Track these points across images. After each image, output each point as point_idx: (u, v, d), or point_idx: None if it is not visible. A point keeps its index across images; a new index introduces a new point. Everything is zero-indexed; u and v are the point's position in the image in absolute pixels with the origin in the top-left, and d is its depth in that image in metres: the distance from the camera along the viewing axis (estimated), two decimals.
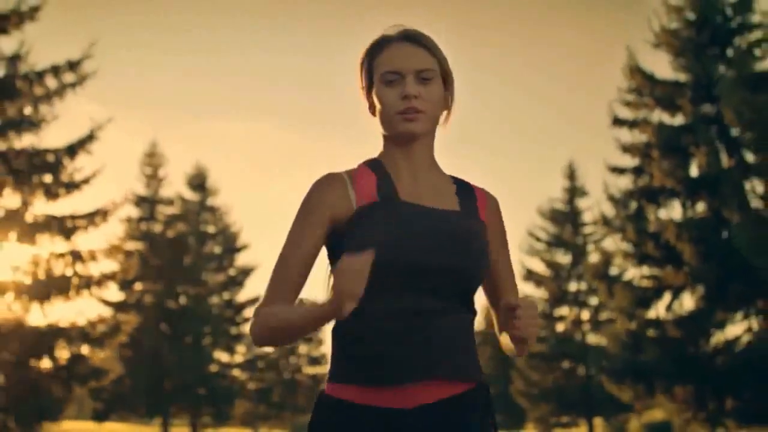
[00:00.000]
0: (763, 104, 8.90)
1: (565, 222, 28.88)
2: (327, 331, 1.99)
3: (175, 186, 28.60)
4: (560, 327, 28.50)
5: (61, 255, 13.71)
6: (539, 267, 28.75)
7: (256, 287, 31.36)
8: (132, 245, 25.84)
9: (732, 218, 12.60)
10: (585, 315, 28.13)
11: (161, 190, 27.92)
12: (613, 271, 16.15)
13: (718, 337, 14.03)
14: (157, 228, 27.47)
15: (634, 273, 15.08)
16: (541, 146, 38.78)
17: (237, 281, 30.03)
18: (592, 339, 27.56)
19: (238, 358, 30.38)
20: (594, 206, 27.65)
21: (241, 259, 30.99)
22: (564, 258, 28.63)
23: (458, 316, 1.84)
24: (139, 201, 27.23)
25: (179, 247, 27.06)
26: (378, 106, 1.89)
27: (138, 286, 25.26)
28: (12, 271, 13.34)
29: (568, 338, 27.94)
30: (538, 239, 29.12)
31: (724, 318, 13.46)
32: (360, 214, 1.83)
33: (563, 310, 28.66)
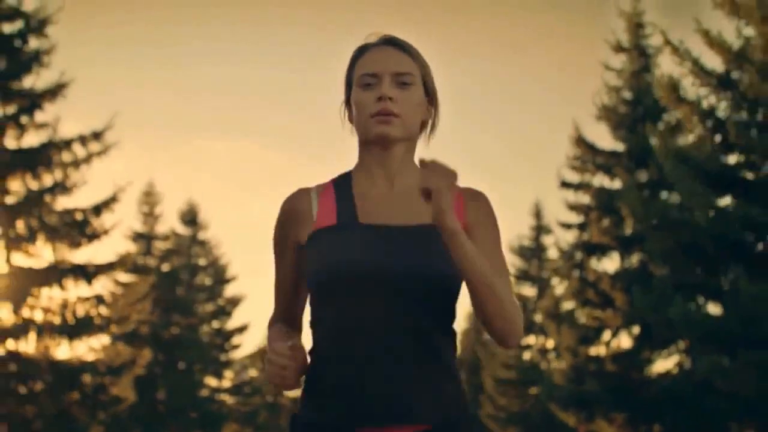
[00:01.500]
0: (658, 209, 11.26)
1: (532, 257, 31.54)
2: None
3: (159, 213, 30.84)
4: (527, 355, 31.12)
5: (86, 299, 16.13)
6: None
7: (243, 316, 33.58)
8: (127, 278, 28.17)
9: (656, 271, 15.22)
10: (550, 344, 30.68)
11: (157, 226, 30.30)
12: (564, 309, 18.73)
13: (649, 371, 16.62)
14: (153, 262, 29.80)
15: (579, 314, 17.67)
16: (511, 186, 41.24)
17: (226, 311, 32.40)
18: (557, 366, 30.16)
19: (226, 383, 32.68)
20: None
21: (230, 290, 33.35)
22: (530, 291, 31.27)
23: (418, 345, 1.75)
24: (136, 237, 29.56)
25: (173, 280, 29.39)
26: (354, 110, 1.85)
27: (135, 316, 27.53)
28: (44, 312, 15.74)
29: (534, 365, 30.49)
30: None
31: (650, 356, 16.06)
32: (315, 237, 1.81)
33: (530, 339, 31.27)
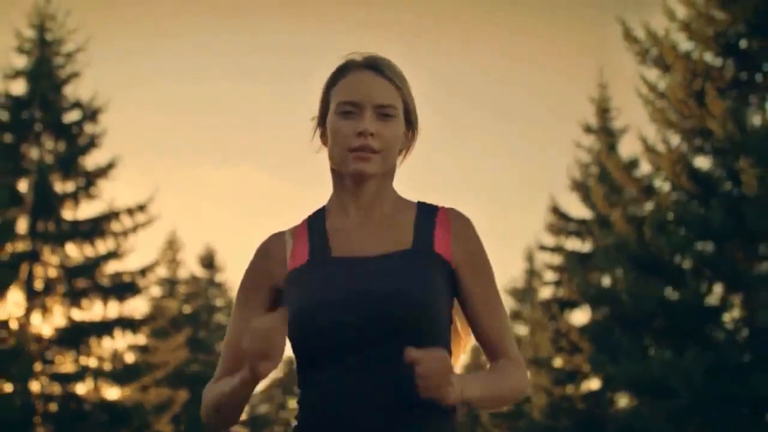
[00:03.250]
0: (592, 283, 14.24)
1: (524, 299, 34.50)
2: None
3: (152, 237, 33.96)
4: None
5: (132, 346, 19.14)
6: None
7: None
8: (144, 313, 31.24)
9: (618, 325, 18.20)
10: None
11: (179, 271, 33.39)
12: (542, 355, 21.70)
13: (613, 409, 19.56)
14: (175, 304, 32.86)
15: (555, 359, 20.64)
16: (504, 230, 44.03)
17: None
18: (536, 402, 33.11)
19: (241, 416, 35.58)
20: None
21: None
22: (523, 330, 34.18)
23: (404, 382, 1.64)
24: (161, 282, 32.60)
25: (195, 322, 32.42)
26: (330, 138, 1.79)
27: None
28: (97, 360, 18.75)
29: (527, 400, 33.37)
30: None
31: (613, 396, 19.01)
32: (290, 279, 1.77)
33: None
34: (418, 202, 1.85)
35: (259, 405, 37.90)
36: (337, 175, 1.81)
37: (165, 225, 35.51)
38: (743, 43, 12.97)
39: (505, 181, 43.44)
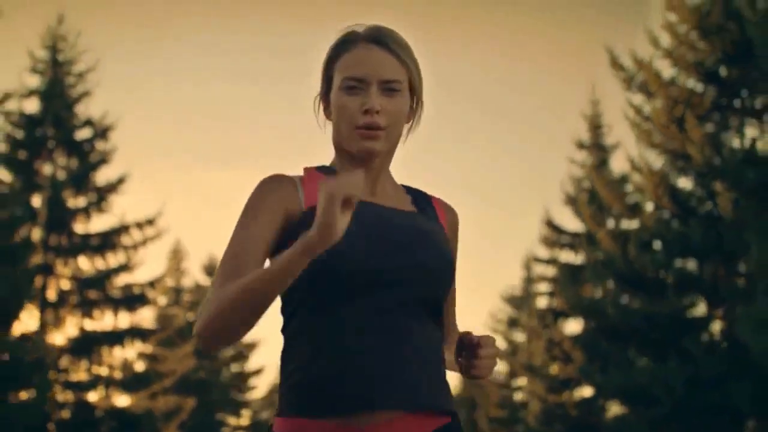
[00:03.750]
0: (579, 296, 15.03)
1: (522, 306, 35.28)
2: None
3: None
4: (518, 396, 34.79)
5: (141, 355, 19.94)
6: (500, 343, 35.12)
7: (258, 360, 37.20)
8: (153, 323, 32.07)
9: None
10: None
11: (183, 279, 34.19)
12: (537, 363, 22.48)
13: (605, 416, 20.35)
14: (180, 312, 33.65)
15: (549, 367, 21.43)
16: (502, 239, 44.77)
17: (243, 355, 36.15)
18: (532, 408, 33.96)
19: (244, 422, 36.40)
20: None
21: (247, 336, 37.05)
22: (520, 337, 34.97)
23: (431, 335, 1.67)
24: (167, 291, 33.38)
25: None
26: (334, 114, 1.75)
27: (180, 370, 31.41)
28: (108, 369, 19.54)
29: (524, 404, 34.15)
30: (498, 320, 35.55)
31: (604, 403, 19.79)
32: (310, 216, 1.63)
33: (521, 381, 34.96)
34: (404, 186, 1.87)
35: (261, 411, 38.68)
36: (342, 151, 1.78)
37: (170, 233, 36.31)
38: (723, 71, 13.77)
39: (505, 183, 44.10)
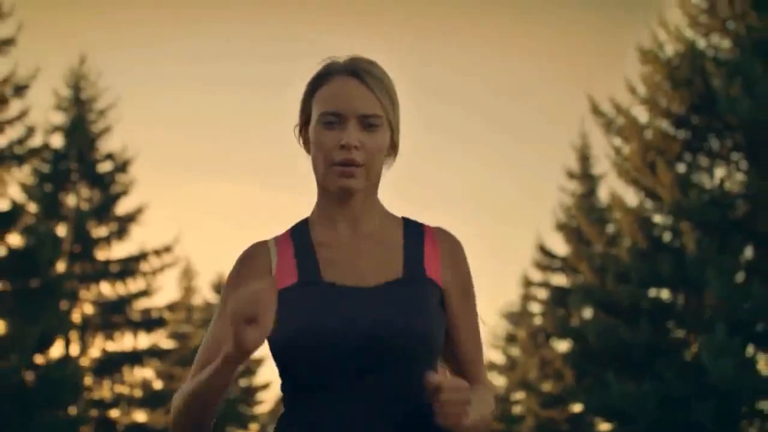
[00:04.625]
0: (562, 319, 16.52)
1: (520, 323, 36.74)
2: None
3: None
4: (516, 409, 36.23)
5: (159, 373, 21.43)
6: (499, 358, 36.58)
7: (265, 374, 38.75)
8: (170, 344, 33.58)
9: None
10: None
11: (192, 297, 35.71)
12: (531, 379, 23.93)
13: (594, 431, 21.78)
14: (190, 329, 35.15)
15: (542, 384, 22.90)
16: (500, 258, 45.86)
17: (251, 370, 37.63)
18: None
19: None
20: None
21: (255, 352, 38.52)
22: (517, 352, 36.41)
23: (403, 412, 1.65)
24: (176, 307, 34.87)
25: None
26: (312, 149, 1.74)
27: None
28: (129, 388, 21.04)
29: (522, 419, 35.58)
30: (496, 335, 37.01)
31: (593, 419, 21.26)
32: (278, 298, 1.60)
33: (519, 395, 36.40)
34: (403, 218, 1.82)
35: (269, 424, 40.18)
36: (322, 188, 1.77)
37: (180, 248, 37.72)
38: (693, 119, 15.27)
39: (503, 194, 45.20)
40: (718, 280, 12.56)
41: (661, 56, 15.35)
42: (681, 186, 14.24)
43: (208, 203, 47.74)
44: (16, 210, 15.40)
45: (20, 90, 16.35)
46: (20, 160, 16.19)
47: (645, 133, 15.55)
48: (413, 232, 1.79)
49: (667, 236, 14.87)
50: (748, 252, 14.37)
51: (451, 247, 1.79)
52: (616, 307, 15.24)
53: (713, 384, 12.67)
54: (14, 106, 16.85)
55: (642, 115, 16.09)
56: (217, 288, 38.42)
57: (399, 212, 1.85)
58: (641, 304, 14.74)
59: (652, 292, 14.75)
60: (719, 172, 15.38)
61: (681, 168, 15.31)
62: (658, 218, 15.37)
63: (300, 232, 1.78)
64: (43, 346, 14.73)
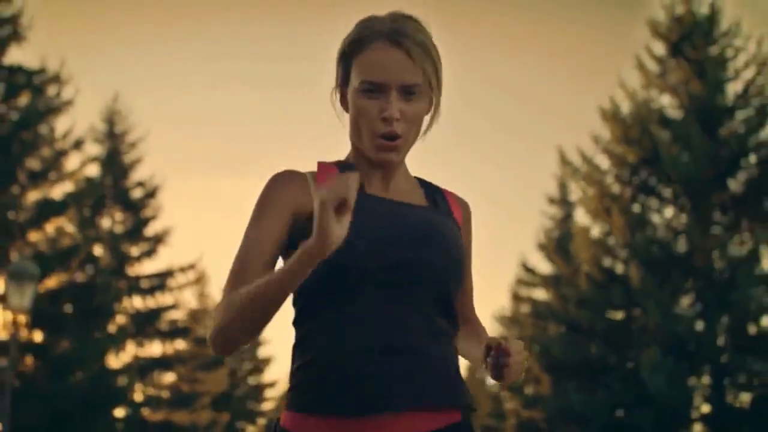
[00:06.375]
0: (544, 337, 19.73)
1: (511, 327, 39.82)
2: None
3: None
4: (507, 407, 39.35)
5: (184, 378, 24.56)
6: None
7: (273, 373, 41.70)
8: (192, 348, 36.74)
9: None
10: None
11: (207, 303, 38.78)
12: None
13: None
14: (206, 333, 38.23)
15: (525, 387, 26.00)
16: (492, 262, 48.20)
17: (260, 369, 40.75)
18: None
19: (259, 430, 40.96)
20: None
21: (263, 352, 41.77)
22: None
23: (440, 330, 1.72)
24: (196, 315, 37.95)
25: None
26: (352, 112, 1.76)
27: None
28: (158, 390, 24.15)
29: (502, 419, 38.71)
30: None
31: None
32: None
33: (504, 395, 39.51)
34: (417, 178, 1.89)
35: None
36: (359, 150, 1.80)
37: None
38: (643, 172, 18.30)
39: (501, 189, 47.00)
40: (654, 308, 15.62)
41: (618, 114, 18.38)
42: (632, 227, 17.29)
43: (207, 202, 49.37)
44: (77, 246, 18.41)
45: (79, 145, 19.37)
46: (77, 201, 19.16)
47: (605, 178, 18.59)
48: (432, 189, 1.90)
49: (619, 268, 17.94)
50: (689, 283, 17.44)
51: (467, 211, 1.92)
52: (577, 327, 18.32)
53: (651, 395, 15.73)
54: (72, 159, 19.83)
55: (604, 162, 19.13)
56: None
57: None
58: (597, 325, 17.80)
59: (611, 314, 17.85)
60: (668, 212, 18.41)
61: (636, 208, 18.34)
62: (611, 254, 18.43)
63: (341, 164, 1.83)
64: (101, 358, 17.84)
